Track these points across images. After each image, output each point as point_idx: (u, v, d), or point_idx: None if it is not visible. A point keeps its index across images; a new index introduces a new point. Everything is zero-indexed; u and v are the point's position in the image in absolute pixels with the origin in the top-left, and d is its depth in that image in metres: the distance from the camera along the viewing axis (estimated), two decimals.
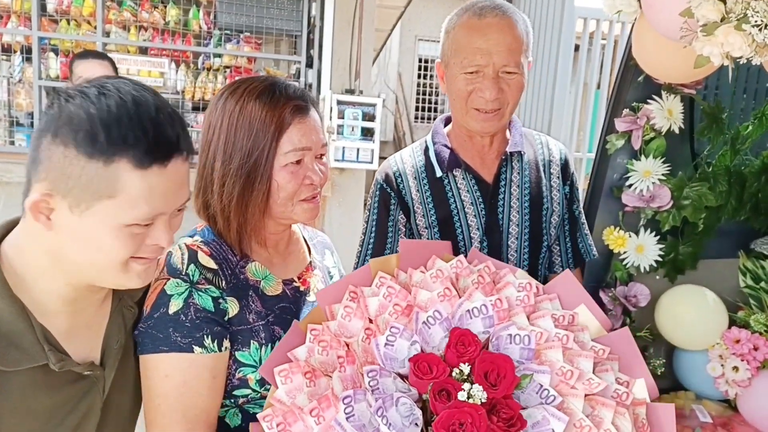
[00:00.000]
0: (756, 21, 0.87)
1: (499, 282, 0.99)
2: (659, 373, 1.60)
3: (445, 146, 1.38)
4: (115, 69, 2.54)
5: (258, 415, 0.82)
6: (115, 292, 0.94)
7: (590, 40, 4.15)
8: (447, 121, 1.45)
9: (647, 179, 1.57)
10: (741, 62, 0.96)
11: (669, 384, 1.72)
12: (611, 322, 0.99)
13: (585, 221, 1.52)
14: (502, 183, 1.38)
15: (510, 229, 1.38)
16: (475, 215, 1.36)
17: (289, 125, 0.99)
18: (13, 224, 0.84)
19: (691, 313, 1.58)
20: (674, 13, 1.01)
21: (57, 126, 0.75)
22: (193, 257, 0.97)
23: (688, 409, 1.58)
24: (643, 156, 1.58)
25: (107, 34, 4.05)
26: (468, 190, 1.37)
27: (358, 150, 3.73)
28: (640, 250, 1.60)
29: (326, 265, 1.25)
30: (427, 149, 1.41)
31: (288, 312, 1.05)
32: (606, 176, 1.63)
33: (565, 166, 1.45)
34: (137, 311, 0.96)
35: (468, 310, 0.88)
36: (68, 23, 4.10)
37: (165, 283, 0.94)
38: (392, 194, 1.38)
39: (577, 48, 4.35)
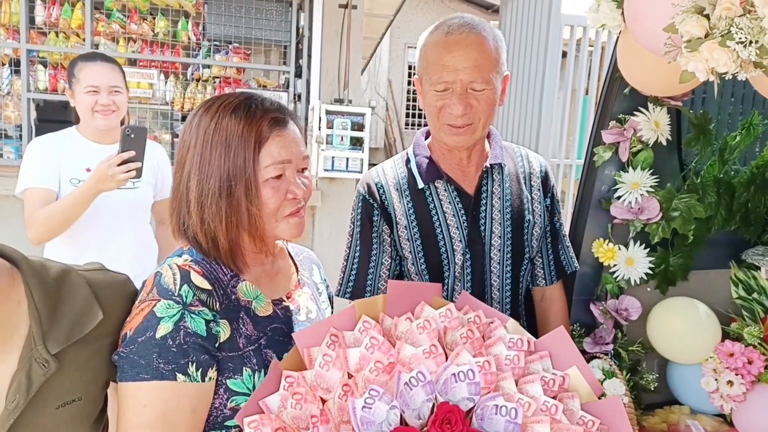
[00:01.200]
0: (740, 38, 0.86)
1: (489, 337, 0.96)
2: (652, 388, 1.58)
3: (426, 158, 1.37)
4: (124, 75, 2.16)
5: None
6: (26, 343, 0.79)
7: (577, 47, 4.16)
8: (428, 134, 1.44)
9: (635, 191, 1.56)
10: (726, 77, 0.95)
11: (662, 398, 1.70)
12: (598, 385, 0.95)
13: (566, 233, 1.51)
14: (484, 195, 1.37)
15: (492, 241, 1.37)
16: (457, 227, 1.35)
17: (267, 138, 0.96)
18: None
19: (683, 326, 1.57)
20: (658, 29, 1.00)
21: None
22: (185, 277, 0.92)
23: (683, 425, 1.56)
24: (630, 168, 1.57)
25: (96, 46, 4.01)
26: (450, 202, 1.36)
27: (347, 159, 3.71)
28: (630, 262, 1.59)
29: (314, 281, 1.22)
30: (408, 161, 1.41)
31: (280, 333, 1.01)
32: (594, 188, 1.61)
33: (545, 178, 1.45)
34: (55, 366, 0.80)
35: (454, 374, 0.83)
36: (57, 35, 4.06)
37: (154, 305, 0.89)
38: (375, 205, 1.37)
39: (564, 55, 4.36)
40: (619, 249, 1.59)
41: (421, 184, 1.35)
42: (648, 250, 1.59)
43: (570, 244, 1.54)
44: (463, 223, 1.35)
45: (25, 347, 0.79)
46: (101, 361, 0.90)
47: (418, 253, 1.36)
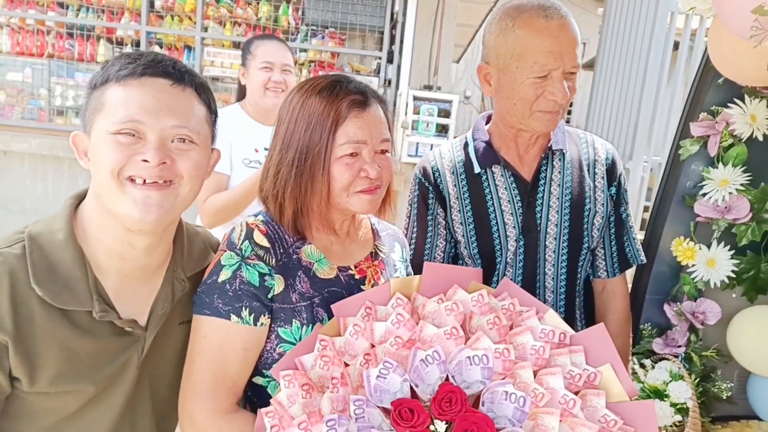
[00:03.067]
0: None
1: (519, 325, 0.95)
2: (725, 397, 1.49)
3: (485, 142, 1.36)
4: (294, 57, 2.23)
5: (260, 410, 0.85)
6: (170, 264, 1.03)
7: (693, 37, 3.87)
8: (488, 119, 1.42)
9: (723, 188, 1.46)
10: None
11: (740, 411, 1.59)
12: (632, 387, 0.92)
13: (633, 225, 1.44)
14: (542, 181, 1.34)
15: (548, 229, 1.34)
16: (511, 213, 1.34)
17: (345, 118, 1.02)
18: (86, 192, 0.98)
19: None
20: (746, 11, 0.94)
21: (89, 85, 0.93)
22: (248, 234, 1.03)
23: None
24: (720, 163, 1.47)
25: (205, 29, 4.31)
26: (506, 187, 1.34)
27: (431, 146, 3.72)
28: (711, 264, 1.49)
29: (393, 259, 1.25)
30: (466, 145, 1.40)
31: (338, 297, 1.06)
32: (678, 183, 1.53)
33: (611, 166, 1.39)
34: (188, 285, 1.04)
35: (468, 357, 0.85)
36: (172, 19, 4.41)
37: (222, 254, 1.02)
38: (430, 188, 1.38)
39: (677, 46, 4.07)
40: (700, 249, 1.50)
41: (477, 169, 1.35)
42: (733, 252, 1.49)
43: (636, 236, 1.46)
44: (518, 209, 1.34)
45: (168, 270, 1.03)
46: None
47: (471, 237, 1.36)
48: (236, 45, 4.38)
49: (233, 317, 0.98)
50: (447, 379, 0.85)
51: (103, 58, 4.37)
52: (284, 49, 2.12)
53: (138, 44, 4.32)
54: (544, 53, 1.18)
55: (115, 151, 0.87)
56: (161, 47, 4.41)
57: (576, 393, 0.87)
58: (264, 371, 1.04)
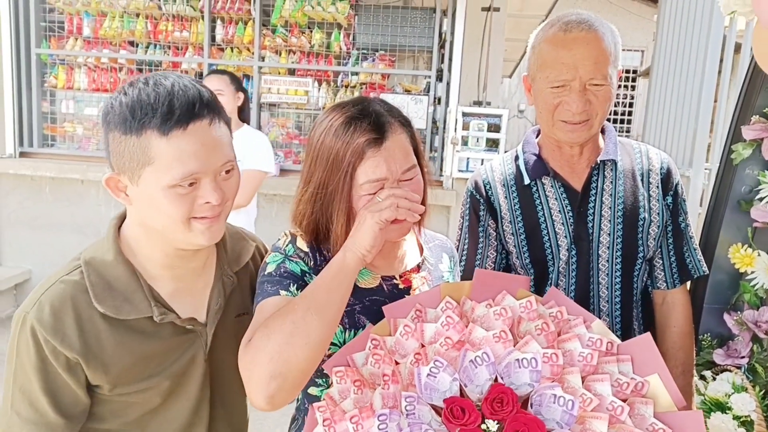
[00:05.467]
0: None
1: (566, 332, 0.96)
2: None
3: (535, 155, 1.39)
4: (235, 80, 3.01)
5: (312, 405, 0.90)
6: (218, 263, 1.12)
7: None
8: (539, 132, 1.45)
9: None
10: None
11: None
12: (680, 398, 0.90)
13: (693, 235, 1.40)
14: (593, 191, 1.35)
15: (600, 239, 1.34)
16: (563, 223, 1.35)
17: (362, 159, 1.03)
18: (126, 213, 1.07)
19: None
20: None
21: (106, 119, 0.94)
22: (293, 240, 1.11)
23: None
24: None
25: (262, 58, 4.53)
26: (556, 198, 1.36)
27: (482, 161, 3.73)
28: None
29: (440, 269, 1.26)
30: (517, 158, 1.43)
31: (379, 305, 1.08)
32: (731, 188, 1.49)
33: (666, 176, 1.37)
34: (236, 280, 1.13)
35: (517, 360, 0.87)
36: (231, 50, 4.66)
37: (268, 256, 1.10)
38: (481, 201, 1.41)
39: (738, 49, 3.93)
40: (759, 255, 1.45)
41: (527, 180, 1.38)
42: None
43: (697, 246, 1.43)
44: (569, 219, 1.35)
45: (217, 267, 1.12)
46: (252, 291, 1.17)
47: (522, 248, 1.38)
48: (291, 72, 4.57)
49: (282, 292, 1.03)
50: (496, 380, 0.87)
51: None
52: (217, 79, 2.86)
53: (201, 75, 4.58)
54: (559, 65, 1.24)
55: (179, 203, 0.93)
56: None
57: (623, 401, 0.87)
58: (317, 380, 1.09)
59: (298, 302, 0.96)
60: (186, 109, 0.91)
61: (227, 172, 0.99)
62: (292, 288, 1.04)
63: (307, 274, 1.08)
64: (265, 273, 1.07)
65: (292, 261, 1.08)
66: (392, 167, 1.04)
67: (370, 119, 1.05)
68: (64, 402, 0.96)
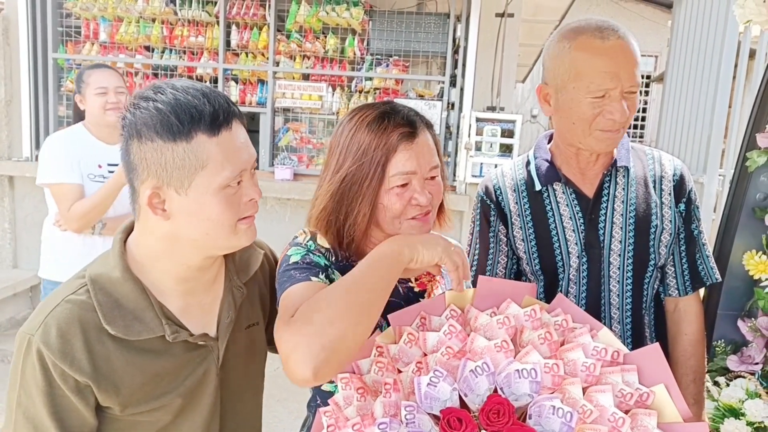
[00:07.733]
0: None
1: (570, 341, 0.95)
2: None
3: (546, 161, 1.38)
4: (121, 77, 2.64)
5: (319, 409, 0.91)
6: (226, 275, 1.09)
7: None
8: (550, 138, 1.45)
9: None
10: None
11: None
12: (686, 409, 0.89)
13: (706, 242, 1.41)
14: (604, 198, 1.35)
15: (612, 246, 1.34)
16: (573, 230, 1.35)
17: (395, 151, 1.06)
18: (131, 226, 1.02)
19: None
20: None
21: (137, 130, 0.89)
22: (313, 237, 1.13)
23: None
24: None
25: (277, 63, 4.58)
26: (567, 204, 1.36)
27: (495, 166, 3.74)
28: None
29: None
30: (528, 163, 1.43)
31: (394, 307, 1.09)
32: (746, 195, 1.50)
33: (679, 183, 1.37)
34: (245, 291, 1.11)
35: (517, 370, 0.87)
36: (246, 56, 4.72)
37: (288, 249, 1.11)
38: (492, 206, 1.42)
39: (753, 55, 3.91)
40: None
41: (538, 186, 1.37)
42: None
43: (710, 253, 1.43)
44: (580, 226, 1.35)
45: (226, 279, 1.09)
46: (261, 300, 1.18)
47: (533, 254, 1.38)
48: (305, 77, 4.62)
49: (313, 278, 1.03)
50: (495, 390, 0.87)
51: None
52: (115, 74, 2.51)
53: (216, 81, 4.64)
54: (600, 74, 1.20)
55: (229, 204, 0.92)
56: (237, 82, 4.71)
57: (626, 412, 0.86)
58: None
59: (348, 280, 0.96)
60: (224, 108, 0.91)
61: (253, 168, 1.00)
62: (321, 276, 1.05)
63: (329, 268, 1.09)
64: (290, 263, 1.07)
65: (315, 255, 1.09)
66: (422, 162, 1.08)
67: (403, 115, 1.09)
68: (71, 425, 0.92)
